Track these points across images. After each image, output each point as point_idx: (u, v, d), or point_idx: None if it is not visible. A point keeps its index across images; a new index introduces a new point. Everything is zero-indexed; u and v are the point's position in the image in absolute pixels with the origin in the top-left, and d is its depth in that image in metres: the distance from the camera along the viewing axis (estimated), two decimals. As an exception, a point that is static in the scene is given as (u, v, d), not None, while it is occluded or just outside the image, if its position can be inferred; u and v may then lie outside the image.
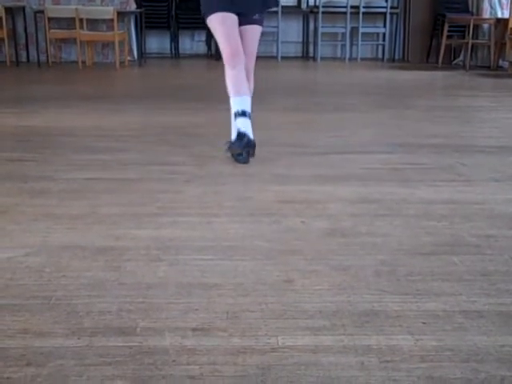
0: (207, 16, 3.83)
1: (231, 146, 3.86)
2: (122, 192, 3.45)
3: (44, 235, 2.80)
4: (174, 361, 1.84)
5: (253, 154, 3.92)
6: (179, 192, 3.46)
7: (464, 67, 9.40)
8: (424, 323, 2.07)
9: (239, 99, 3.86)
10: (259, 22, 3.91)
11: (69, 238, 2.77)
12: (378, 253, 2.64)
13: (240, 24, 3.83)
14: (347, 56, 10.41)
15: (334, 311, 2.14)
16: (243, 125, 3.85)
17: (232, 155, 3.96)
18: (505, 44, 9.10)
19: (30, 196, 3.37)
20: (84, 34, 9.10)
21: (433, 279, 2.39)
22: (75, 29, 8.95)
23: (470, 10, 9.93)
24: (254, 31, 3.90)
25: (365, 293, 2.28)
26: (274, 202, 3.31)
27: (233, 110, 3.89)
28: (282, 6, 9.49)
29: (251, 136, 3.87)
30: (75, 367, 1.80)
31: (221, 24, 3.80)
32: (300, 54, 10.80)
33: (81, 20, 9.01)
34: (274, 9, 4.05)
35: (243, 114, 3.85)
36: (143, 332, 2.00)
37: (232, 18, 3.80)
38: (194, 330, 2.02)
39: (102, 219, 3.02)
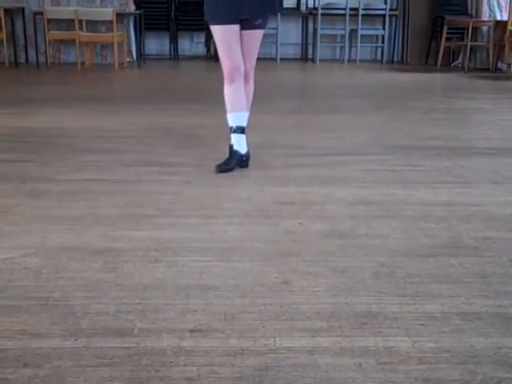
0: (210, 23, 3.84)
1: (222, 166, 3.89)
2: (120, 193, 3.45)
3: (42, 236, 2.80)
4: (171, 362, 1.84)
5: (246, 166, 3.99)
6: (178, 193, 3.46)
7: (463, 69, 9.41)
8: (422, 325, 2.07)
9: (235, 115, 3.94)
10: (261, 26, 3.91)
11: (67, 239, 2.77)
12: (376, 254, 2.64)
13: (242, 28, 3.83)
14: (346, 58, 10.42)
15: (331, 312, 2.14)
16: (236, 141, 3.94)
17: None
18: (504, 46, 9.11)
19: (29, 197, 3.36)
20: (83, 35, 9.10)
21: (431, 281, 2.39)
22: (74, 30, 8.95)
23: (469, 12, 9.94)
24: (256, 36, 3.91)
25: (363, 294, 2.28)
26: (272, 203, 3.31)
27: (229, 125, 3.96)
28: (282, 8, 9.48)
29: (243, 151, 3.95)
30: (72, 368, 1.80)
31: (223, 38, 3.82)
32: (299, 56, 10.81)
33: (80, 21, 9.01)
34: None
35: (238, 130, 3.94)
36: (140, 333, 2.00)
37: (234, 31, 3.81)
38: (191, 331, 2.02)
39: (100, 220, 3.02)
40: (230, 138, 3.94)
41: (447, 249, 2.72)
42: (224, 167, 3.88)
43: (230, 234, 2.87)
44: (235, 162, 3.92)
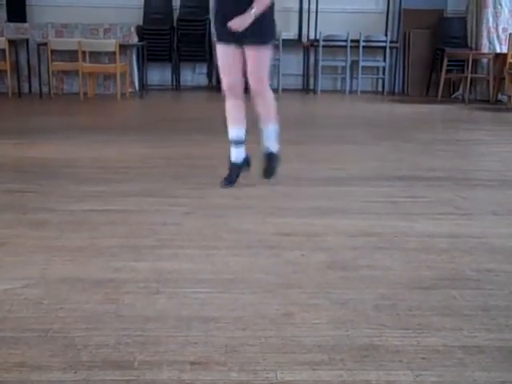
0: (216, 42, 4.11)
1: (224, 182, 4.20)
2: (121, 224, 3.45)
3: (43, 267, 2.80)
4: (171, 395, 1.83)
5: (249, 166, 4.31)
6: (179, 224, 3.46)
7: (463, 101, 9.46)
8: (424, 358, 2.05)
9: (231, 130, 4.17)
10: (260, 43, 3.96)
11: (67, 270, 2.77)
12: (378, 286, 2.63)
13: (244, 44, 3.95)
14: (347, 89, 10.47)
15: (332, 345, 2.13)
16: (234, 154, 4.19)
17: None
18: (504, 78, 9.15)
19: (30, 228, 3.36)
20: (86, 66, 9.16)
21: (433, 314, 2.38)
22: (77, 61, 9.02)
23: (469, 44, 10.02)
24: (257, 51, 3.95)
25: (364, 327, 2.27)
26: (274, 234, 3.30)
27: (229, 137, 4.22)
28: (283, 40, 9.55)
29: (242, 157, 4.23)
30: (72, 401, 1.79)
31: (220, 56, 4.07)
32: (300, 87, 10.86)
33: (83, 52, 9.08)
34: (275, 42, 4.14)
35: (234, 143, 4.18)
36: (141, 366, 1.98)
37: (231, 50, 3.99)
38: (192, 363, 2.00)
39: (100, 251, 3.01)
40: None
41: (449, 281, 2.71)
42: (226, 182, 4.15)
43: (232, 265, 2.87)
44: (236, 174, 4.19)
